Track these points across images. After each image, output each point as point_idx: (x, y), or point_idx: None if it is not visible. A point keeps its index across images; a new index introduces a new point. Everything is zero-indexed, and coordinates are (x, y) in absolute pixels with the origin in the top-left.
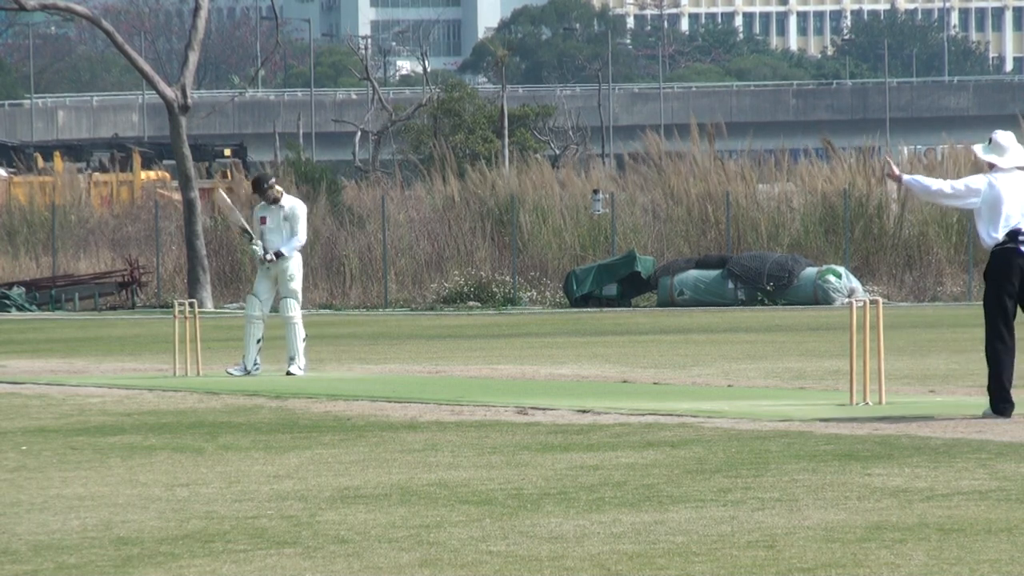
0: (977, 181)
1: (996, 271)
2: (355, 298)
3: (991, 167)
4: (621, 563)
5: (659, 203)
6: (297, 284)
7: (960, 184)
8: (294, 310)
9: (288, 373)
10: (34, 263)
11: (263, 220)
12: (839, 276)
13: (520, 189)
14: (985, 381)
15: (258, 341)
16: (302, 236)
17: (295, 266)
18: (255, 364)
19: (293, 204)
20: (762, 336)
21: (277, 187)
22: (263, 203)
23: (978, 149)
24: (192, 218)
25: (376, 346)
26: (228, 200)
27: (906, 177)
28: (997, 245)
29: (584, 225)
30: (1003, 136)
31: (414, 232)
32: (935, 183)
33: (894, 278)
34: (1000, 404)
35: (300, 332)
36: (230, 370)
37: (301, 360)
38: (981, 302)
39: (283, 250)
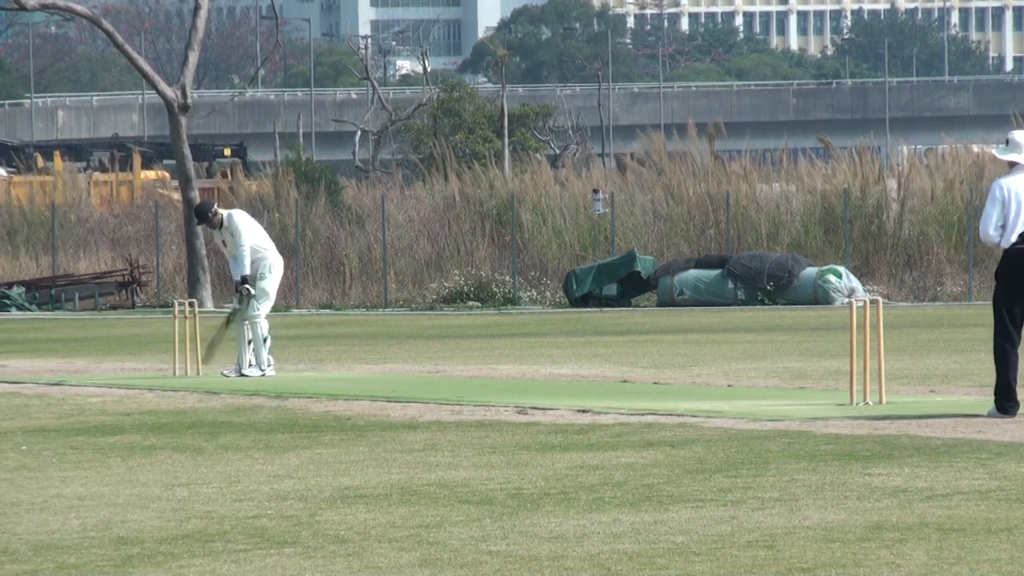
0: (993, 198)
1: (1007, 271)
2: (355, 298)
3: (1012, 167)
4: (621, 563)
5: (659, 203)
6: (268, 283)
7: (992, 217)
8: (256, 309)
9: (240, 375)
10: (34, 263)
11: (224, 243)
12: (839, 276)
13: (520, 189)
14: (987, 381)
15: (249, 341)
16: (246, 244)
17: (266, 265)
18: (268, 363)
19: (230, 217)
20: (762, 336)
21: (217, 211)
22: (214, 229)
23: (995, 151)
24: (192, 218)
25: (376, 346)
26: (210, 346)
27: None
28: (1011, 246)
29: (584, 225)
30: (1020, 135)
31: (414, 232)
32: (991, 239)
33: (894, 278)
34: (1005, 403)
35: (260, 332)
36: (224, 372)
37: (248, 359)
38: (981, 302)
39: (243, 275)
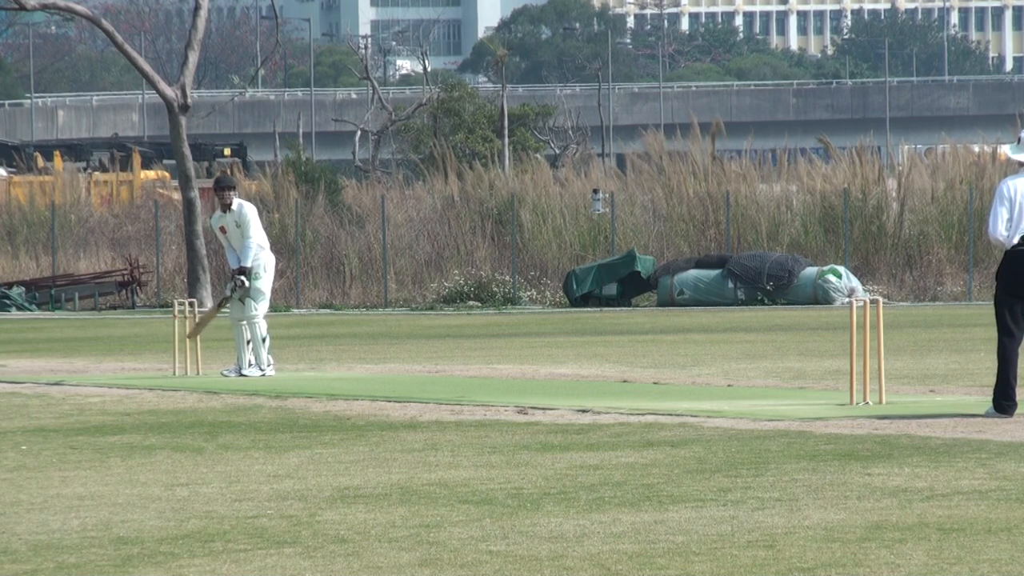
0: (1000, 196)
1: (1007, 273)
2: (355, 298)
3: (1022, 167)
4: (621, 563)
5: (659, 202)
6: (263, 283)
7: (1000, 216)
8: (254, 310)
9: (240, 374)
10: (34, 263)
11: (223, 230)
12: (839, 276)
13: (520, 189)
14: (987, 381)
15: (248, 342)
16: (255, 237)
17: (260, 264)
18: (268, 363)
19: (241, 207)
20: (762, 336)
21: (235, 191)
22: (219, 211)
23: (1007, 149)
24: (192, 218)
25: (376, 346)
26: (199, 323)
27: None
28: (1012, 247)
29: (584, 225)
30: None
31: (414, 232)
32: (1000, 237)
33: (894, 278)
34: (1003, 402)
35: (259, 333)
36: (224, 372)
37: (248, 359)
38: (981, 302)
39: (244, 265)
